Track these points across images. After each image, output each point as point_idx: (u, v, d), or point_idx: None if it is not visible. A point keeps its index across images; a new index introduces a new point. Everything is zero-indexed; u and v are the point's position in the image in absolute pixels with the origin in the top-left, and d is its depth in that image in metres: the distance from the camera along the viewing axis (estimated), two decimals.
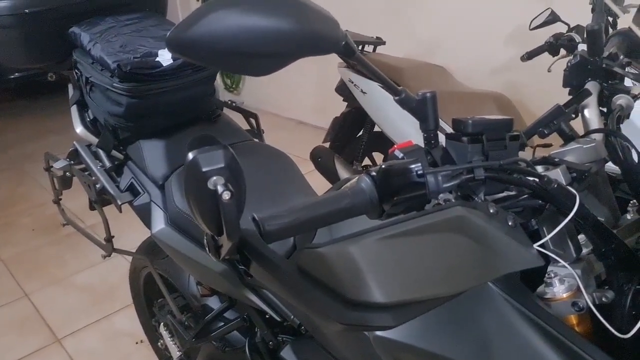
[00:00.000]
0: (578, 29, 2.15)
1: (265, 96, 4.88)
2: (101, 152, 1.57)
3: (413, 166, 0.65)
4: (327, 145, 2.89)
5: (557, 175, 0.75)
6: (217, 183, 0.55)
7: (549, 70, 2.27)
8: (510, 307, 0.71)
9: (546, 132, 0.84)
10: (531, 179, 0.69)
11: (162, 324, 1.77)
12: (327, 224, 0.66)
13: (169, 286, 1.71)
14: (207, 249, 0.64)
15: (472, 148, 0.69)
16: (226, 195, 0.54)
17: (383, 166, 0.66)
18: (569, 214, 0.68)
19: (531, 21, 2.34)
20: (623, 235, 0.79)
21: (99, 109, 1.53)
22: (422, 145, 0.75)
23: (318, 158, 2.76)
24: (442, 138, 0.74)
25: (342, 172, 2.67)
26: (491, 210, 0.63)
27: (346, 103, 2.84)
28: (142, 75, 1.42)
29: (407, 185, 0.65)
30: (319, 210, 0.65)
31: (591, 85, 0.92)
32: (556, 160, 0.77)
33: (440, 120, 0.75)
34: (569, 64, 0.95)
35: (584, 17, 2.08)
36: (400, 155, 0.69)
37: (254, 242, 0.61)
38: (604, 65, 0.92)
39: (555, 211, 0.71)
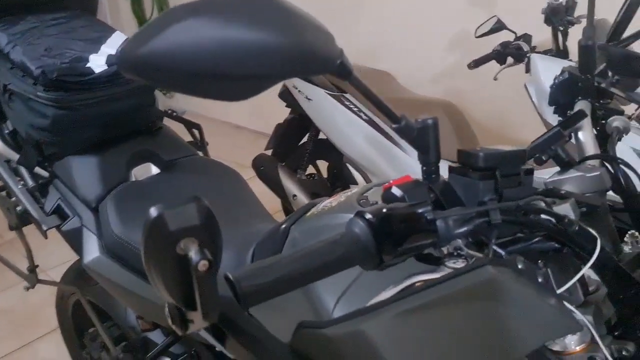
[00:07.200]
0: (525, 37, 2.15)
1: (198, 99, 4.68)
2: (23, 170, 1.39)
3: (421, 210, 0.54)
4: (269, 152, 2.77)
5: (567, 210, 0.67)
6: (189, 248, 0.42)
7: (495, 79, 2.26)
8: None
9: (544, 159, 0.76)
10: (547, 218, 0.60)
11: None
12: (315, 279, 0.54)
13: (102, 315, 1.54)
14: (169, 320, 0.51)
15: (483, 186, 0.59)
16: (202, 267, 0.42)
17: (384, 210, 0.55)
18: (586, 258, 0.60)
19: (477, 28, 2.32)
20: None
21: (20, 120, 1.36)
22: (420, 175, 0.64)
23: (260, 167, 2.66)
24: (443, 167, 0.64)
25: (286, 181, 2.58)
26: (520, 266, 0.53)
27: (289, 109, 2.73)
28: (70, 83, 1.27)
29: (413, 233, 0.54)
30: (307, 264, 0.53)
31: (583, 105, 0.85)
32: (562, 192, 0.69)
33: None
34: (556, 80, 0.88)
35: (530, 26, 2.08)
36: (400, 193, 0.59)
37: (229, 311, 0.49)
38: (595, 84, 0.85)
39: (571, 254, 0.63)
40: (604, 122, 0.86)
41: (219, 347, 1.13)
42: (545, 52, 2.01)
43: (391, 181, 0.61)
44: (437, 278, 0.49)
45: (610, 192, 0.79)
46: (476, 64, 2.29)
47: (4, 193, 1.40)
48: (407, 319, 0.45)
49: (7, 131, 1.45)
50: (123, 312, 1.48)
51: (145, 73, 0.48)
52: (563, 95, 0.88)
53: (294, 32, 0.50)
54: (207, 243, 0.44)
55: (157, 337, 1.40)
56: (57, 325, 1.92)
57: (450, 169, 0.63)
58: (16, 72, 1.33)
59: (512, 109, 2.64)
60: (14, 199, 1.36)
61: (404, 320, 0.44)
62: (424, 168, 0.63)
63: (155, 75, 0.48)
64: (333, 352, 0.44)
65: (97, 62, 1.32)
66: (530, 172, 0.62)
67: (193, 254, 0.42)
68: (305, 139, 2.74)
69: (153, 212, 0.43)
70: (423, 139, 0.61)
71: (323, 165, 2.89)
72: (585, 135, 0.82)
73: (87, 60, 1.31)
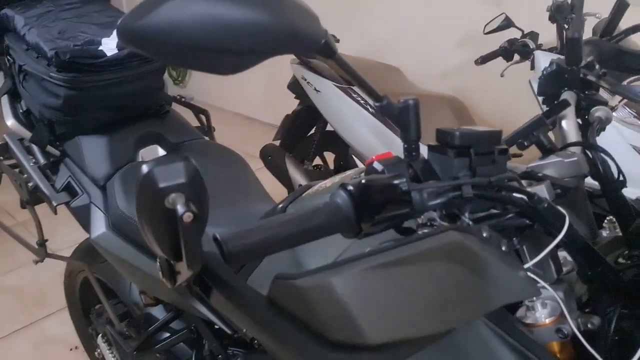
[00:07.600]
0: (532, 35, 2.17)
1: (212, 90, 4.73)
2: (35, 148, 1.44)
3: (397, 182, 0.58)
4: (277, 143, 2.81)
5: (542, 191, 0.70)
6: (176, 202, 0.47)
7: (501, 75, 2.28)
8: (492, 334, 0.66)
9: (525, 144, 0.80)
10: (519, 196, 0.64)
11: (99, 334, 1.64)
12: (297, 244, 0.58)
13: (108, 292, 1.59)
14: (160, 273, 0.55)
15: (458, 162, 0.63)
16: (187, 218, 0.46)
17: (363, 181, 0.59)
18: (556, 235, 0.64)
19: (485, 25, 2.34)
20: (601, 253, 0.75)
21: (34, 100, 1.40)
22: (401, 155, 0.68)
23: (268, 156, 2.69)
24: (423, 149, 0.68)
25: (293, 172, 2.61)
26: (484, 234, 0.57)
27: (298, 101, 2.77)
28: (82, 65, 1.30)
29: (389, 203, 0.58)
30: (290, 228, 0.57)
31: (568, 96, 0.88)
32: (539, 175, 0.72)
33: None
34: (544, 72, 0.91)
35: (537, 23, 2.10)
36: (380, 167, 0.63)
37: (215, 266, 0.53)
38: (581, 75, 0.89)
39: (542, 231, 0.66)
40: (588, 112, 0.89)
41: (218, 323, 1.17)
42: (550, 50, 2.03)
43: (374, 157, 0.65)
44: (405, 239, 0.53)
45: (590, 180, 0.82)
46: (483, 60, 2.32)
47: (16, 170, 1.45)
48: (374, 274, 0.49)
49: (21, 110, 1.49)
50: (128, 289, 1.53)
51: (143, 45, 0.53)
52: (550, 86, 0.91)
53: (281, 13, 0.54)
54: (193, 198, 0.48)
55: (159, 313, 1.45)
56: (64, 305, 1.97)
57: (430, 147, 0.66)
58: (31, 54, 1.37)
59: (517, 105, 2.65)
60: (26, 175, 1.41)
61: (371, 275, 0.48)
62: (405, 145, 0.67)
63: (152, 47, 0.53)
64: (304, 301, 0.48)
65: (109, 46, 1.35)
66: (504, 152, 0.65)
67: (179, 206, 0.47)
68: (313, 131, 2.78)
69: (144, 168, 0.47)
70: (404, 118, 0.65)
71: (330, 157, 2.93)
72: (568, 124, 0.85)
73: (99, 44, 1.34)
